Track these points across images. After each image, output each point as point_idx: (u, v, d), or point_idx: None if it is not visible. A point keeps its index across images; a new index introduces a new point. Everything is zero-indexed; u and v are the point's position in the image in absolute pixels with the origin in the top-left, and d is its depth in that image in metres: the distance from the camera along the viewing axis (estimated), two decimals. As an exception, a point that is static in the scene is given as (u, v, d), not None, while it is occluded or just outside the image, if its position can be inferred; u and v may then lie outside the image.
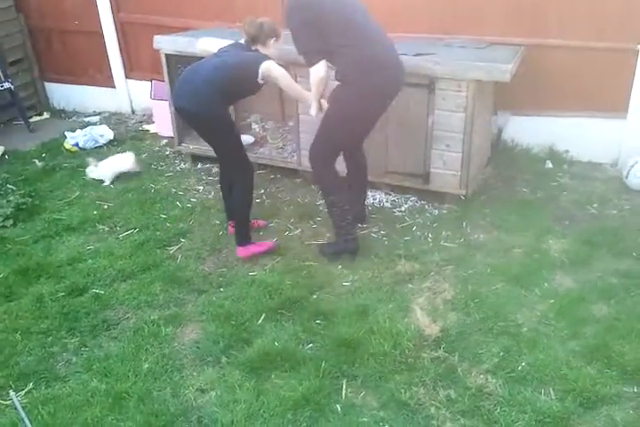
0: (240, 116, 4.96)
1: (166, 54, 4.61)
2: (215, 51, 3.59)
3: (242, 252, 3.64)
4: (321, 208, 4.07)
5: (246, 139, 4.59)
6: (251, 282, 3.41)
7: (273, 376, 2.76)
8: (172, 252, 3.73)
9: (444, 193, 4.11)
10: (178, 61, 4.62)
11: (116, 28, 5.67)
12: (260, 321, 3.10)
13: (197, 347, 2.98)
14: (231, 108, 4.59)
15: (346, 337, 2.91)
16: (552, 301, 3.13)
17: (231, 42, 3.58)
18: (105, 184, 4.54)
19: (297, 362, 2.82)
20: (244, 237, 3.64)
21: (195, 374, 2.83)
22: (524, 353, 2.81)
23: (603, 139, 4.52)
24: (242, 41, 3.50)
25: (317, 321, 3.07)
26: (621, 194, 4.18)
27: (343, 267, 3.48)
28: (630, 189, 4.22)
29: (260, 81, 3.38)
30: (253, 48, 3.45)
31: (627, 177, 4.25)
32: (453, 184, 4.04)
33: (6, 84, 5.49)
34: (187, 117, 3.48)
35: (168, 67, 4.65)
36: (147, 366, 2.89)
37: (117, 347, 3.02)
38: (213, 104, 3.35)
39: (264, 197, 4.25)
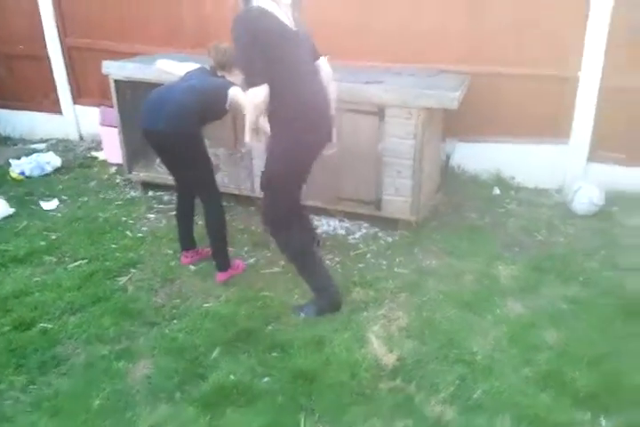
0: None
1: (115, 80, 4.57)
2: (174, 72, 3.66)
3: (222, 276, 3.63)
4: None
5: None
6: (205, 313, 3.35)
7: (228, 411, 2.70)
8: (122, 283, 3.64)
9: (396, 219, 4.16)
10: (127, 87, 4.58)
11: (63, 53, 5.60)
12: (214, 355, 3.04)
13: (150, 383, 2.90)
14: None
15: (302, 369, 2.88)
16: (504, 327, 3.19)
17: (193, 65, 3.62)
18: None
19: (253, 396, 2.78)
20: (225, 263, 3.63)
21: (147, 410, 2.74)
22: (480, 381, 2.84)
23: (547, 165, 4.68)
24: (207, 67, 3.54)
25: (274, 353, 3.03)
26: (566, 219, 4.32)
27: (299, 297, 3.46)
28: (575, 215, 4.36)
29: (227, 107, 3.41)
30: (219, 74, 3.49)
31: (571, 202, 4.40)
32: (405, 211, 4.10)
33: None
34: (162, 141, 3.40)
35: (117, 93, 4.61)
36: (98, 402, 2.79)
37: (67, 384, 2.91)
38: (192, 126, 3.37)
39: (217, 225, 4.21)
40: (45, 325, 3.30)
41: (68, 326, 3.29)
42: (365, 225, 4.25)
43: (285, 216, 3.20)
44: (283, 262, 3.76)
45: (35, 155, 5.16)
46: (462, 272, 3.68)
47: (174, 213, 3.81)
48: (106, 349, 3.13)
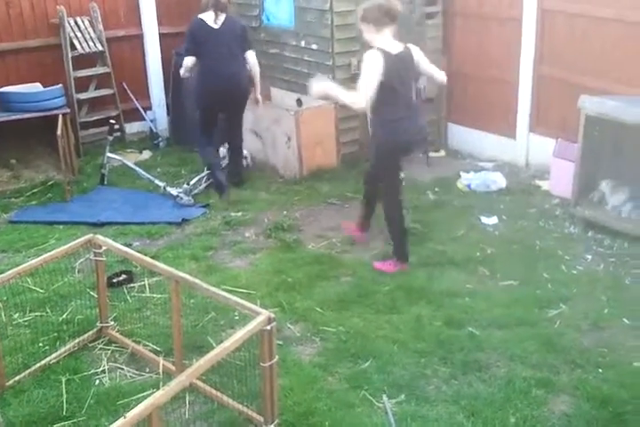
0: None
1: (587, 115, 4.57)
2: None
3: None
4: None
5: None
6: (634, 372, 3.17)
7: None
8: (550, 315, 3.66)
9: None
10: (597, 124, 4.55)
11: (533, 82, 5.80)
12: (643, 419, 2.86)
13: (568, 421, 2.87)
14: None
15: None
16: None
17: None
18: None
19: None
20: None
21: (565, 448, 2.72)
22: None
23: None
24: None
25: None
26: None
27: None
28: None
29: None
30: None
31: None
32: None
33: (418, 119, 6.06)
34: None
35: (585, 128, 4.61)
36: (513, 420, 2.88)
37: (486, 391, 3.07)
38: None
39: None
40: (473, 330, 3.53)
41: (492, 338, 3.46)
42: None
43: (201, 135, 5.45)
44: None
45: (483, 172, 5.53)
46: None
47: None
48: (527, 372, 3.20)
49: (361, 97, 3.86)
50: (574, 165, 4.76)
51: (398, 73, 3.89)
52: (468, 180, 5.42)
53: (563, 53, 5.55)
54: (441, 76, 4.26)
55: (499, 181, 5.36)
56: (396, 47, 3.94)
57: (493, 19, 6.01)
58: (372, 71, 3.83)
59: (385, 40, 3.91)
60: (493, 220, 4.81)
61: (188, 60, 5.18)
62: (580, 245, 4.44)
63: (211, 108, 5.31)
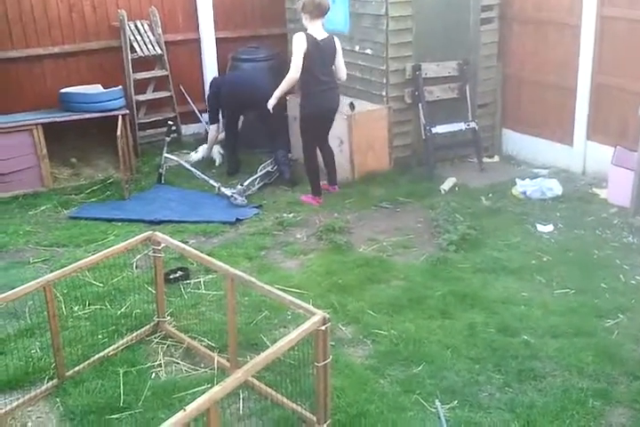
0: None
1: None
2: None
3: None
4: None
5: None
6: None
7: None
8: (607, 325, 3.58)
9: None
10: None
11: (591, 88, 5.69)
12: None
13: (626, 433, 2.81)
14: None
15: None
16: None
17: None
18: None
19: None
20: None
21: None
22: None
23: None
24: None
25: None
26: None
27: None
28: None
29: None
30: None
31: None
32: None
33: (472, 124, 6.00)
34: None
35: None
36: (570, 431, 2.83)
37: (542, 400, 3.02)
38: None
39: None
40: (527, 338, 3.48)
41: (548, 347, 3.41)
42: None
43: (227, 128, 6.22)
44: None
45: (539, 179, 5.43)
46: None
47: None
48: (583, 382, 3.14)
49: (293, 69, 4.93)
50: (634, 174, 4.66)
51: (318, 55, 4.94)
52: (523, 186, 5.33)
53: (622, 60, 5.43)
54: (341, 73, 5.21)
55: (555, 188, 5.25)
56: (321, 35, 4.99)
57: (551, 24, 5.92)
58: (299, 48, 4.88)
59: (315, 28, 4.99)
60: (549, 227, 4.73)
61: (213, 128, 6.28)
62: (639, 255, 4.33)
63: (233, 110, 6.08)
